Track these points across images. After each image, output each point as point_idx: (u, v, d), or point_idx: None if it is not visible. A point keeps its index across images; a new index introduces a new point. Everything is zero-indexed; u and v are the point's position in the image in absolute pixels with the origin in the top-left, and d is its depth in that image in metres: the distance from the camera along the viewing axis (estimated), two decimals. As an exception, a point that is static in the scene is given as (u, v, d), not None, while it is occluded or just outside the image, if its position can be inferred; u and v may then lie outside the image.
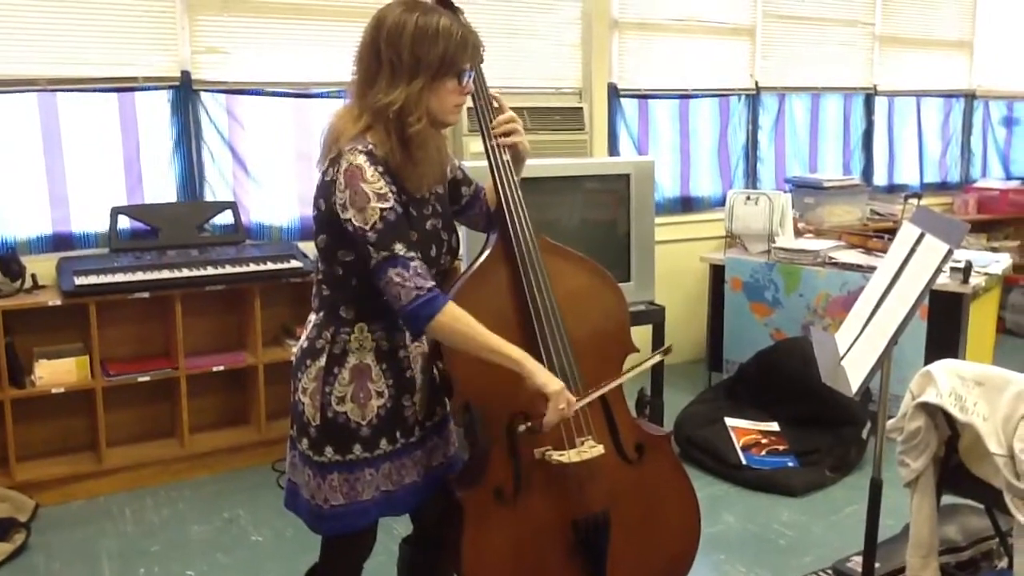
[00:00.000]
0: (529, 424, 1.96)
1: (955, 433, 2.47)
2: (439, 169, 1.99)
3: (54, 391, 3.57)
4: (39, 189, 3.79)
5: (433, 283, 1.84)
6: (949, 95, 6.57)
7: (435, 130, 1.93)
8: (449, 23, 1.86)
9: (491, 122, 2.08)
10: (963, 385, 2.41)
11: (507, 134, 2.09)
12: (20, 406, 3.57)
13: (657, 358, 2.24)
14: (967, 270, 3.99)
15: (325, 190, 1.88)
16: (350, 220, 1.82)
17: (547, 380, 1.89)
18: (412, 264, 1.82)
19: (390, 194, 1.83)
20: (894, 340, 2.13)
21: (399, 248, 1.82)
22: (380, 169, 1.84)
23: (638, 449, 2.20)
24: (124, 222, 3.86)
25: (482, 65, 2.08)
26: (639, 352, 2.26)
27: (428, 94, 1.86)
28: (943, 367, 2.46)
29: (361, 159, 1.83)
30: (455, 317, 1.84)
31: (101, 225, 3.85)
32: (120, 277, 3.57)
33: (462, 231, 2.13)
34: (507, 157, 2.09)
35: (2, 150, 3.70)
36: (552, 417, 1.90)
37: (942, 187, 6.61)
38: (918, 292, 2.13)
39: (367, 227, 1.81)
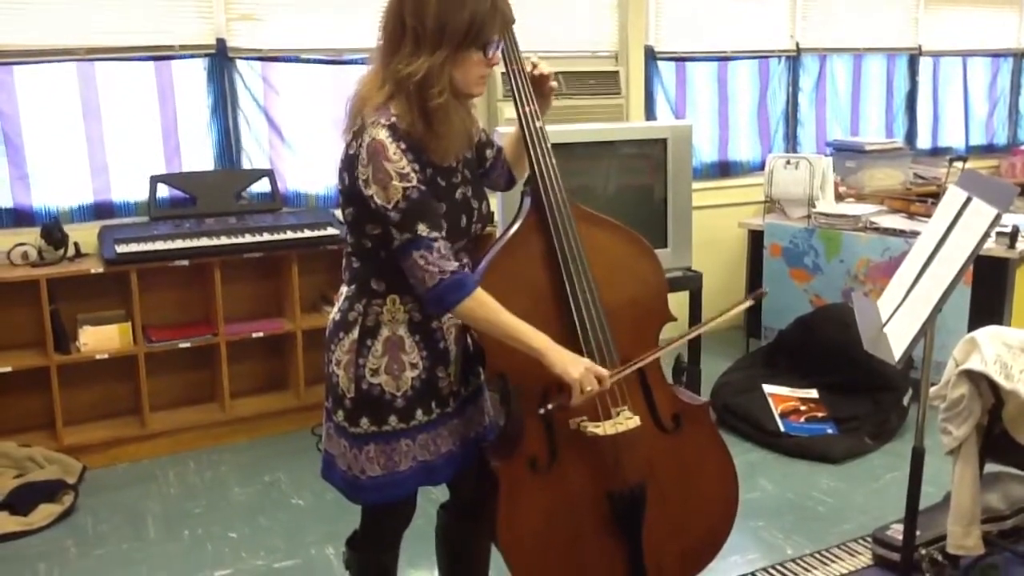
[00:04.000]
0: (559, 403, 1.94)
1: (999, 401, 2.43)
2: (464, 139, 1.95)
3: (98, 357, 3.65)
4: (80, 158, 3.83)
5: (457, 264, 1.82)
6: (997, 55, 6.39)
7: (459, 101, 1.87)
8: None
9: (525, 89, 2.05)
10: (1009, 352, 2.36)
11: (545, 76, 2.05)
12: (65, 372, 3.64)
13: (747, 303, 2.11)
14: (1014, 235, 3.90)
15: (348, 164, 1.85)
16: (372, 197, 1.80)
17: (566, 368, 1.87)
18: (435, 245, 1.79)
19: (412, 173, 1.80)
20: (938, 307, 2.09)
21: (422, 229, 1.79)
22: (403, 146, 1.80)
23: (675, 419, 2.18)
24: (163, 190, 3.90)
25: (515, 28, 2.05)
26: (676, 321, 2.24)
27: (451, 66, 1.80)
28: (988, 334, 2.42)
29: (383, 134, 1.79)
30: (481, 303, 1.83)
31: (140, 194, 3.89)
32: (160, 245, 3.61)
33: (496, 198, 2.10)
34: (540, 124, 2.05)
35: (43, 120, 3.74)
36: (577, 400, 1.90)
37: (988, 149, 6.45)
38: (964, 257, 2.08)
39: (389, 206, 1.79)
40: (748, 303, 2.12)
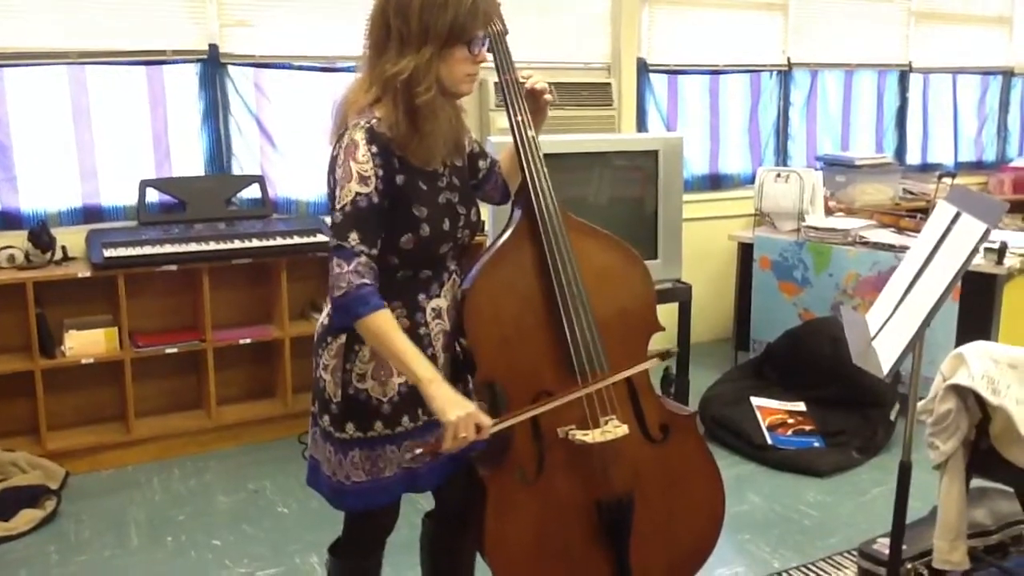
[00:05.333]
0: (428, 450, 1.84)
1: (986, 416, 2.44)
2: (451, 140, 1.95)
3: (83, 362, 3.62)
4: (69, 162, 3.81)
5: (367, 281, 1.77)
6: (986, 72, 6.43)
7: (446, 101, 1.90)
8: None
9: (517, 98, 2.05)
10: (996, 368, 2.37)
11: (538, 91, 2.06)
12: (50, 376, 3.61)
13: (650, 363, 2.08)
14: (1002, 251, 3.91)
15: (331, 167, 1.88)
16: (335, 195, 1.84)
17: (445, 408, 1.75)
18: (357, 259, 1.78)
19: (374, 178, 1.81)
20: (927, 322, 2.10)
21: (353, 239, 1.79)
22: (374, 149, 1.81)
23: (663, 429, 2.18)
24: (152, 195, 3.88)
25: (508, 38, 2.06)
26: (664, 331, 2.24)
27: (438, 63, 1.83)
28: (976, 349, 2.42)
29: (359, 135, 1.82)
30: (379, 325, 1.78)
31: (130, 198, 3.87)
32: (148, 250, 3.60)
33: (487, 208, 2.10)
34: (532, 133, 2.05)
35: (33, 123, 3.73)
36: (449, 445, 1.78)
37: (977, 166, 6.49)
38: (953, 273, 2.09)
39: (338, 206, 1.81)
40: (652, 362, 2.09)
